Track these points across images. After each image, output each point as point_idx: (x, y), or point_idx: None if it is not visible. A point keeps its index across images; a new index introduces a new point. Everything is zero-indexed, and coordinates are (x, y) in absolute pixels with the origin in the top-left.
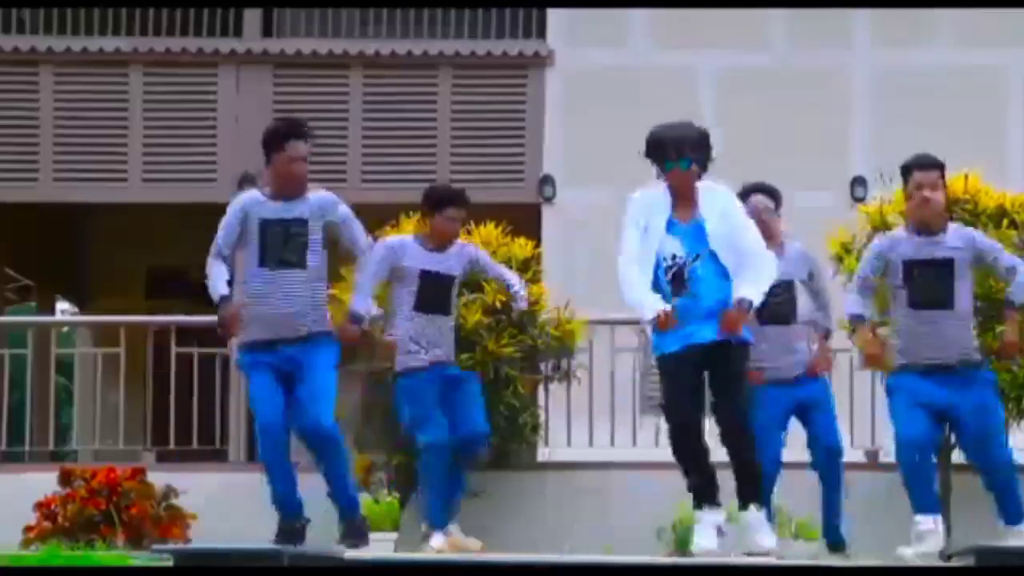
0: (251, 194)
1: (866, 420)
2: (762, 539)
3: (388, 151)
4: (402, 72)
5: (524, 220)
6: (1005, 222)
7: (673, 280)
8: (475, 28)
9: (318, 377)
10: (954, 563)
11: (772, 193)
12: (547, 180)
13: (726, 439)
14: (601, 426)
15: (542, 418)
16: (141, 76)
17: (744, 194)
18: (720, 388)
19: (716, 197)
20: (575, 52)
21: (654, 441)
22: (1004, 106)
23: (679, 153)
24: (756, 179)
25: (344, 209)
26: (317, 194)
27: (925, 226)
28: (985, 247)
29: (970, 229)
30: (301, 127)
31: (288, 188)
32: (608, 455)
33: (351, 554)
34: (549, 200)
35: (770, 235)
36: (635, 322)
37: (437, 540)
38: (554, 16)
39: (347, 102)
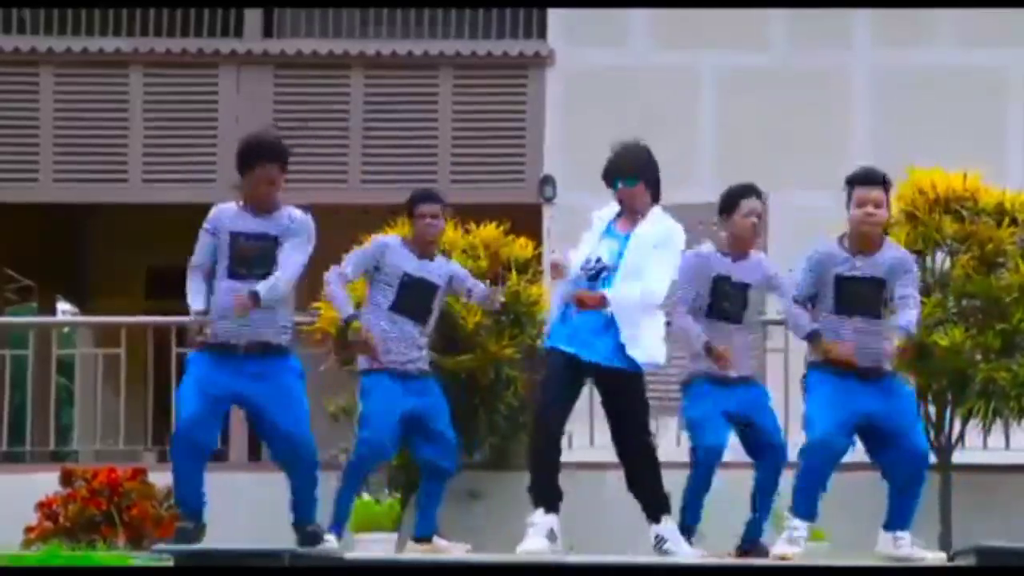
0: None
1: None
2: (676, 547)
3: (388, 151)
4: (402, 72)
5: (524, 220)
6: (1005, 220)
7: (588, 281)
8: (475, 28)
9: None
10: (955, 563)
11: (760, 194)
12: (547, 180)
13: (626, 460)
14: (601, 427)
15: None
16: (141, 76)
17: (732, 195)
18: (615, 413)
19: (663, 223)
20: (575, 52)
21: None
22: (1004, 106)
23: (627, 172)
24: (755, 179)
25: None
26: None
27: (864, 243)
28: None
29: (904, 251)
30: (275, 149)
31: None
32: (609, 456)
33: (352, 554)
34: (550, 200)
35: (754, 240)
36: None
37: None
38: (554, 16)
39: (348, 102)
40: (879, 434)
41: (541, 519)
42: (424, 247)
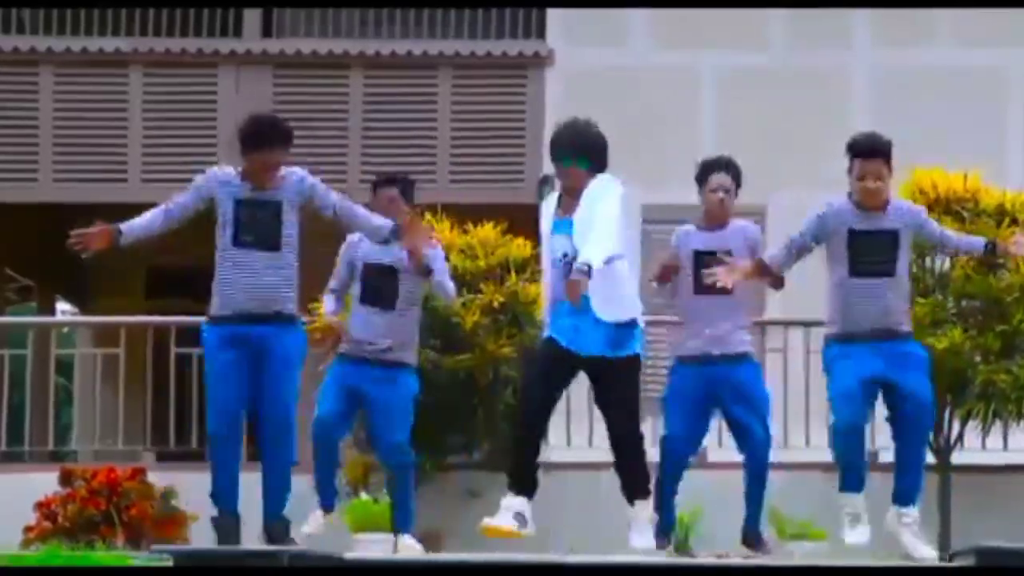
0: None
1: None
2: (634, 538)
3: (388, 151)
4: (402, 72)
5: (524, 220)
6: (1006, 221)
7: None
8: (475, 28)
9: None
10: (955, 563)
11: (731, 168)
12: (546, 180)
13: (617, 448)
14: (600, 427)
15: None
16: (141, 76)
17: (704, 168)
18: (608, 401)
19: (592, 186)
20: (575, 52)
21: (651, 440)
22: (1004, 106)
23: (578, 152)
24: (754, 179)
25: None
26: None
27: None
28: (923, 218)
29: (909, 203)
30: (280, 134)
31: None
32: (608, 456)
33: (351, 554)
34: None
35: (724, 215)
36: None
37: (314, 519)
38: (554, 16)
39: (347, 102)
40: (894, 393)
41: (511, 500)
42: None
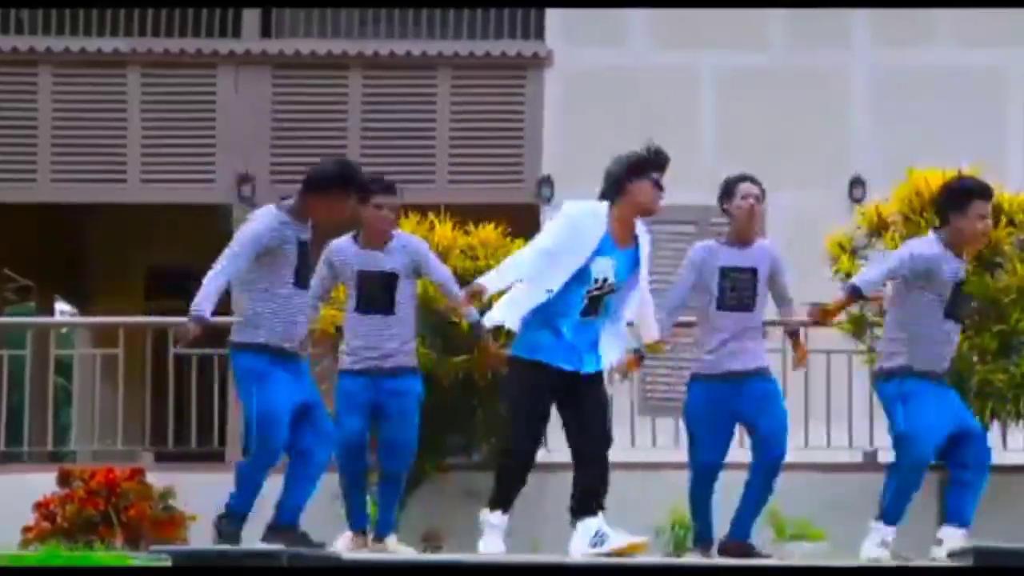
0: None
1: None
2: (575, 544)
3: (387, 152)
4: (401, 72)
5: (523, 220)
6: (1003, 221)
7: (590, 301)
8: (474, 28)
9: None
10: (953, 563)
11: (756, 181)
12: (546, 181)
13: (589, 463)
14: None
15: None
16: (139, 77)
17: (730, 182)
18: (588, 417)
19: (646, 237)
20: (574, 52)
21: (651, 442)
22: (1003, 106)
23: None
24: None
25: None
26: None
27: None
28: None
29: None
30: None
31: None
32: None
33: (350, 555)
34: (548, 201)
35: (756, 225)
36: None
37: (344, 541)
38: (552, 16)
39: (346, 103)
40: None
41: (500, 519)
42: (374, 238)
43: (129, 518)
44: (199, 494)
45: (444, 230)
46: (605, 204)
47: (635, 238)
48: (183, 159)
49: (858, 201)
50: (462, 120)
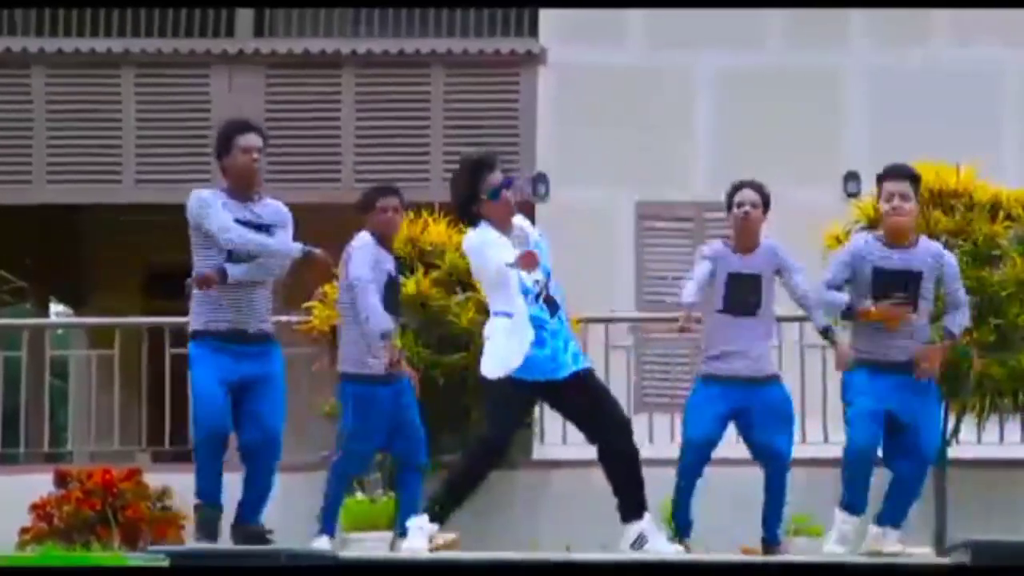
0: None
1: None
2: (659, 544)
3: (381, 150)
4: (394, 71)
5: None
6: (1000, 215)
7: (546, 303)
8: (467, 26)
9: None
10: (950, 557)
11: (760, 191)
12: (541, 179)
13: (620, 459)
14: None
15: (536, 414)
16: (133, 77)
17: (730, 190)
18: (595, 410)
19: (521, 219)
20: (568, 50)
21: (647, 438)
22: (1000, 103)
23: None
24: (751, 176)
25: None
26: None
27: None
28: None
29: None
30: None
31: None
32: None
33: (347, 553)
34: (543, 198)
35: (752, 233)
36: (629, 320)
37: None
38: (546, 14)
39: (339, 101)
40: (897, 426)
41: (430, 526)
42: (390, 240)
43: (126, 518)
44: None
45: (438, 229)
46: (482, 223)
47: (524, 232)
48: (177, 159)
49: (853, 196)
50: (456, 118)
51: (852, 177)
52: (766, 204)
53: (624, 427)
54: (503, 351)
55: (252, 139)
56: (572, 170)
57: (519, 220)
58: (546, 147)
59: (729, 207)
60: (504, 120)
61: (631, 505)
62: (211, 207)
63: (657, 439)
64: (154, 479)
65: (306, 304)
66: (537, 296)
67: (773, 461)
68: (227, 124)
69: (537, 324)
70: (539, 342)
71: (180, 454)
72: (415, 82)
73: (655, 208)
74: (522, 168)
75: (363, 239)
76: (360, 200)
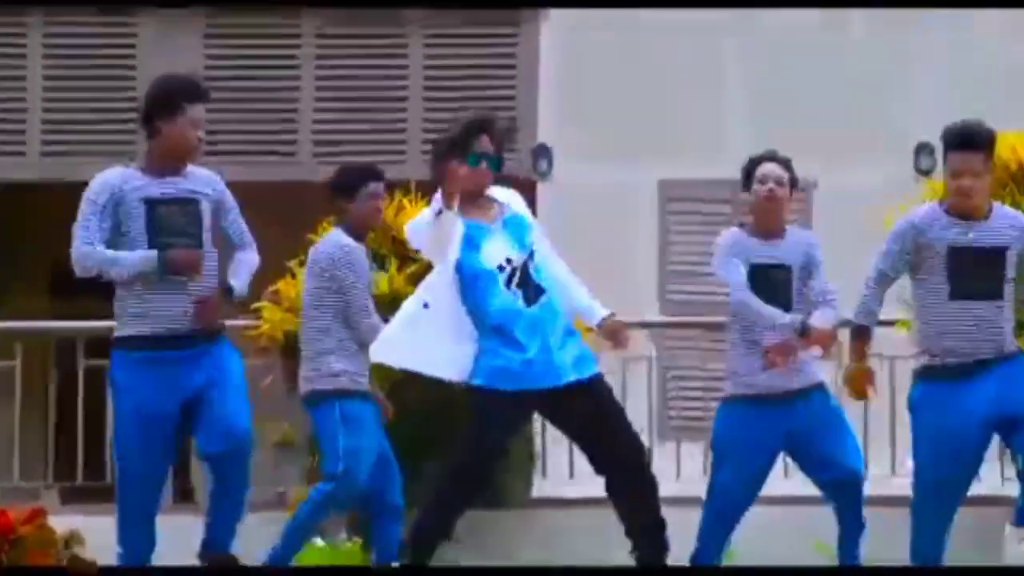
0: None
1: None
2: None
3: (346, 122)
4: (363, 28)
5: None
6: None
7: (521, 286)
8: None
9: None
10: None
11: (786, 166)
12: (543, 152)
13: (628, 485)
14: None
15: (538, 445)
16: (41, 26)
17: (748, 164)
18: (600, 428)
19: (511, 193)
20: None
21: (675, 473)
22: None
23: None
24: (793, 153)
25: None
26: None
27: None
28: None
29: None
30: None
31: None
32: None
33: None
34: (545, 175)
35: (778, 214)
36: (651, 325)
37: None
38: None
39: (297, 61)
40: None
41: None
42: (367, 230)
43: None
44: (114, 540)
45: (415, 212)
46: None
47: (500, 205)
48: (95, 127)
49: (926, 173)
50: (438, 82)
51: (924, 150)
52: (793, 182)
53: (638, 451)
54: (395, 336)
55: (200, 111)
56: (579, 142)
57: (502, 193)
58: (549, 115)
59: (747, 184)
60: (498, 84)
61: (648, 552)
62: (90, 217)
63: (686, 473)
64: (62, 522)
65: (255, 305)
66: (509, 280)
67: (845, 478)
68: (172, 83)
69: (505, 317)
70: (510, 342)
71: (95, 491)
72: (388, 39)
73: (682, 187)
74: (521, 140)
75: (348, 241)
76: (337, 180)
